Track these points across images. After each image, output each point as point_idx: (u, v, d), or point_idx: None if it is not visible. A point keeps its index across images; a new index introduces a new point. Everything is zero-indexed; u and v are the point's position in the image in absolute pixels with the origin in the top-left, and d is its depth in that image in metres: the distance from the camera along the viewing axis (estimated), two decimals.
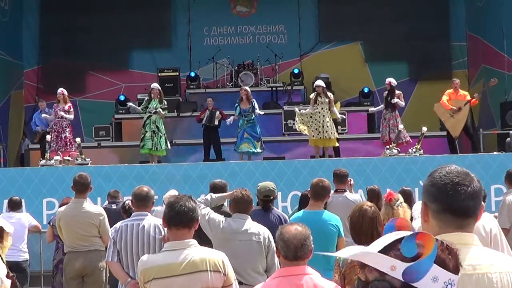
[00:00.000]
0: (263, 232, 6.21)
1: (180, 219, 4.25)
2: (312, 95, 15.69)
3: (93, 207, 8.70)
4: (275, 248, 6.16)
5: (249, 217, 6.30)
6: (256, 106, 15.80)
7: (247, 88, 16.21)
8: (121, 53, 21.28)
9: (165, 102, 15.84)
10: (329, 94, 15.64)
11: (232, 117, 15.88)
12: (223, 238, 5.62)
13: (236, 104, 15.78)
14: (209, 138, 16.54)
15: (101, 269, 8.37)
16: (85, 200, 8.46)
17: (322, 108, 15.39)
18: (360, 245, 5.05)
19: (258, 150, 15.55)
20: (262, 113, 16.11)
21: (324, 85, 15.81)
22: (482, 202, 2.48)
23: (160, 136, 15.38)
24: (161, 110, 15.37)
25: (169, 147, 15.71)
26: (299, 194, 10.15)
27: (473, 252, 2.38)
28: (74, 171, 12.08)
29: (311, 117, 15.31)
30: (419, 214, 5.77)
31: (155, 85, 15.97)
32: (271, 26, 21.78)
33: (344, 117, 17.59)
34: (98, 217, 8.31)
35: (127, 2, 21.05)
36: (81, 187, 8.36)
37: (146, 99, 15.92)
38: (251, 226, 6.22)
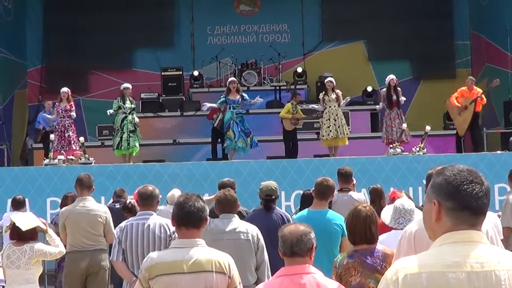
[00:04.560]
0: (251, 230, 6.26)
1: (189, 219, 4.26)
2: (321, 95, 15.65)
3: (98, 205, 8.71)
4: (264, 245, 6.23)
5: (236, 216, 6.36)
6: (247, 97, 15.65)
7: (235, 79, 16.09)
8: (124, 52, 21.26)
9: (134, 101, 15.74)
10: (336, 91, 15.62)
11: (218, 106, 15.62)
12: (211, 238, 5.63)
13: (223, 97, 15.55)
14: (218, 136, 16.32)
15: (106, 268, 8.36)
16: (89, 199, 8.46)
17: (330, 107, 15.39)
18: (355, 245, 5.08)
19: (248, 147, 15.41)
20: (261, 100, 16.04)
21: (335, 83, 15.78)
22: None
23: (136, 135, 15.27)
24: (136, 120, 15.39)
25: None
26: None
27: (481, 249, 2.40)
28: (78, 170, 12.10)
29: (323, 117, 15.38)
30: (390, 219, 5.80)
31: (127, 85, 15.71)
32: (274, 25, 21.76)
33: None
34: (104, 215, 8.33)
35: (131, 1, 21.05)
36: (84, 187, 8.38)
37: (118, 99, 15.52)
38: (239, 224, 6.28)
